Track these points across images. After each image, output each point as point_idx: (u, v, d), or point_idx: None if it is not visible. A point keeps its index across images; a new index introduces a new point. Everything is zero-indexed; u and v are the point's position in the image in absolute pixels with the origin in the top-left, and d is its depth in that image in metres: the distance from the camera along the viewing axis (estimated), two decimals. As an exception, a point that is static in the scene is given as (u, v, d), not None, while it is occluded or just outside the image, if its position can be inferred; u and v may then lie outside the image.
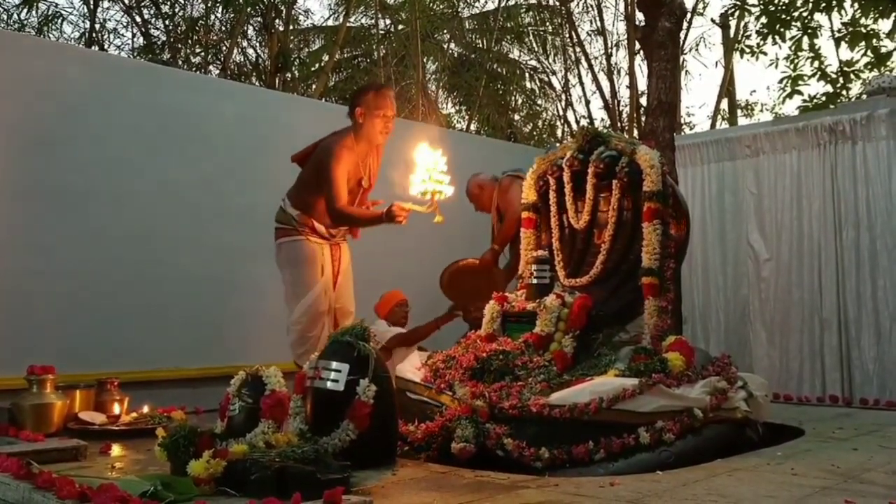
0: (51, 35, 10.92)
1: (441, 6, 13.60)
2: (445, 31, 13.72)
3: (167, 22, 11.54)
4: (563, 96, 14.38)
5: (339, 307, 4.29)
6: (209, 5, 11.36)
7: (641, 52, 8.19)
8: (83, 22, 11.77)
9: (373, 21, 13.40)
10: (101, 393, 4.20)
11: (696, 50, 12.59)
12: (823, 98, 9.55)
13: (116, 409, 4.13)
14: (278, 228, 4.23)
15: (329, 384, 3.02)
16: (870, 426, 4.04)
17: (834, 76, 9.55)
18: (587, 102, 13.89)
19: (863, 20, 8.51)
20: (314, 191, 4.14)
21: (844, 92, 9.63)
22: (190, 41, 11.54)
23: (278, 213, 4.24)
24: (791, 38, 8.85)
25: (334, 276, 4.26)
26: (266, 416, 3.02)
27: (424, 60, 12.83)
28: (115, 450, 3.45)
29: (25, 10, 10.73)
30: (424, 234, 6.04)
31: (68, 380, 4.11)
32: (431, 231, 6.03)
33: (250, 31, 12.31)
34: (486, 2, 14.13)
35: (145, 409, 4.16)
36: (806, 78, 9.61)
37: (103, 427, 3.91)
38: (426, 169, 3.86)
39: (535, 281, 4.11)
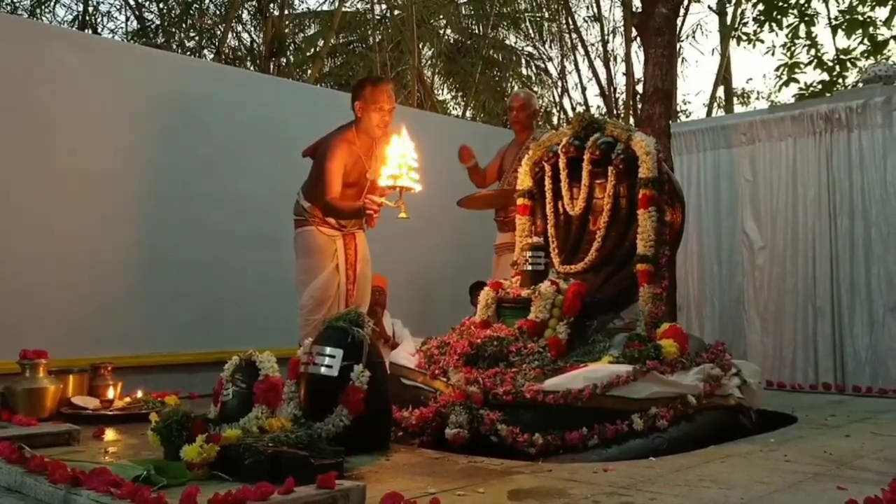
0: (43, 18, 10.84)
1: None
2: (441, 17, 13.64)
3: (161, 5, 11.47)
4: (560, 83, 14.37)
5: (358, 296, 4.34)
6: (203, -11, 11.29)
7: (638, 39, 8.16)
8: (76, 5, 11.70)
9: (368, 6, 13.33)
10: (94, 378, 4.17)
11: (693, 37, 12.58)
12: (820, 86, 9.54)
13: (110, 393, 4.11)
14: (295, 220, 4.34)
15: (323, 370, 3.01)
16: (862, 413, 4.06)
17: (830, 64, 9.53)
18: (583, 89, 13.89)
19: (860, 8, 8.50)
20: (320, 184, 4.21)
21: (841, 80, 9.62)
22: (184, 25, 11.47)
23: (294, 205, 4.34)
24: (788, 26, 8.83)
25: (350, 265, 4.32)
26: (260, 401, 3.01)
27: (420, 46, 12.77)
28: (109, 434, 3.45)
29: (18, -7, 10.65)
30: (417, 226, 6.06)
31: (62, 364, 4.09)
32: (425, 225, 6.05)
33: (245, 16, 12.27)
34: (482, -13, 14.05)
35: (139, 394, 4.16)
36: (802, 66, 9.59)
37: (96, 412, 3.90)
38: (396, 163, 3.67)
39: (529, 267, 4.09)
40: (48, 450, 2.91)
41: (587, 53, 12.80)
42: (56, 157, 4.65)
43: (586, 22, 13.23)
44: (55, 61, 4.70)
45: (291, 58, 12.48)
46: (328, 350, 3.04)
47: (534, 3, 14.01)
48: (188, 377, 4.85)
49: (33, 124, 4.59)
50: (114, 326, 4.75)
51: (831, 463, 2.77)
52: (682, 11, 9.61)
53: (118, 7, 11.87)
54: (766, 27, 8.83)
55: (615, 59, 12.79)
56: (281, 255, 5.21)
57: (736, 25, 11.21)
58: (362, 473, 2.60)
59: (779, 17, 8.59)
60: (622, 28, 12.22)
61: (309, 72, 12.27)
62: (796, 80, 9.55)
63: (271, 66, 11.24)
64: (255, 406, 3.01)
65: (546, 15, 13.99)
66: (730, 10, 11.73)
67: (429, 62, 13.76)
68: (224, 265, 5.24)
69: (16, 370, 3.87)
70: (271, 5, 11.48)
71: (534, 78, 14.88)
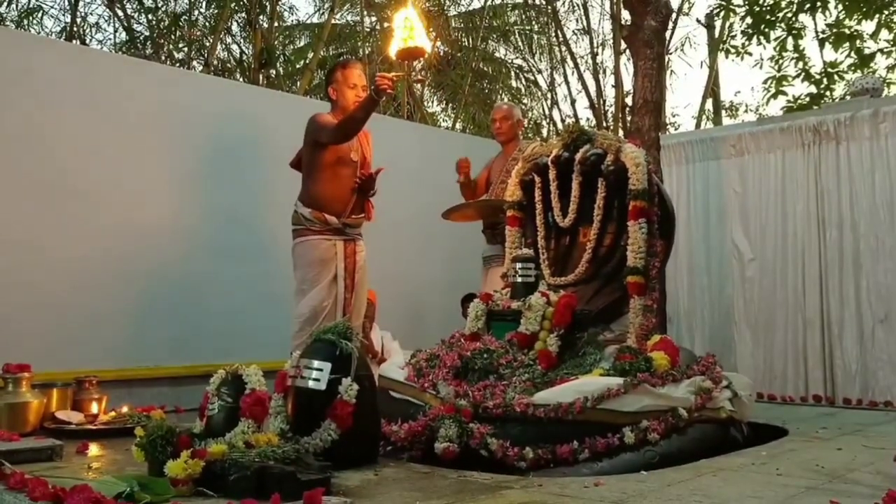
0: (31, 29, 10.79)
1: (428, 4, 13.56)
2: (431, 29, 13.66)
3: (150, 17, 11.43)
4: (549, 95, 14.39)
5: (356, 305, 4.32)
6: (193, 0, 11.27)
7: (627, 52, 8.19)
8: (63, 16, 11.66)
9: (358, 18, 13.34)
10: (79, 392, 4.13)
11: (682, 50, 12.60)
12: (807, 99, 9.60)
13: (94, 408, 4.07)
14: (294, 230, 4.31)
15: (311, 383, 2.97)
16: (853, 426, 4.05)
17: (818, 77, 9.60)
18: (573, 101, 13.95)
19: (847, 21, 8.57)
20: (316, 174, 4.23)
21: (828, 93, 9.68)
22: (173, 36, 11.44)
23: (292, 216, 4.31)
24: (776, 39, 8.90)
25: (349, 273, 4.29)
26: (246, 415, 2.97)
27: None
28: (93, 450, 3.39)
29: (5, 4, 10.61)
30: (409, 237, 6.05)
31: (45, 378, 4.04)
32: (417, 237, 6.04)
33: (234, 27, 12.23)
34: (472, 0, 14.11)
35: (125, 409, 4.10)
36: (790, 79, 9.65)
37: (80, 426, 3.85)
38: (401, 29, 3.85)
39: (519, 279, 4.07)
40: (30, 465, 2.85)
41: (576, 66, 12.81)
42: (41, 169, 4.60)
43: (575, 35, 13.25)
44: (42, 72, 4.66)
45: (280, 69, 12.46)
46: (316, 363, 3.00)
47: (523, 17, 14.06)
48: (174, 391, 4.80)
49: (18, 135, 4.54)
50: (99, 339, 4.69)
51: (824, 476, 2.75)
52: (670, 24, 9.66)
53: (107, 19, 11.77)
54: (754, 40, 8.88)
55: (604, 71, 12.81)
56: (268, 268, 5.19)
57: (724, 38, 11.27)
58: (350, 489, 2.56)
59: (766, 30, 8.65)
60: (611, 41, 12.26)
61: (298, 83, 12.25)
62: (784, 93, 9.62)
63: (260, 78, 11.21)
64: (242, 420, 2.96)
65: (535, 28, 14.04)
66: (718, 23, 11.80)
67: (418, 74, 13.76)
68: (211, 278, 5.20)
69: (-2, 384, 3.82)
70: (261, 17, 11.47)
71: (523, 90, 14.92)
